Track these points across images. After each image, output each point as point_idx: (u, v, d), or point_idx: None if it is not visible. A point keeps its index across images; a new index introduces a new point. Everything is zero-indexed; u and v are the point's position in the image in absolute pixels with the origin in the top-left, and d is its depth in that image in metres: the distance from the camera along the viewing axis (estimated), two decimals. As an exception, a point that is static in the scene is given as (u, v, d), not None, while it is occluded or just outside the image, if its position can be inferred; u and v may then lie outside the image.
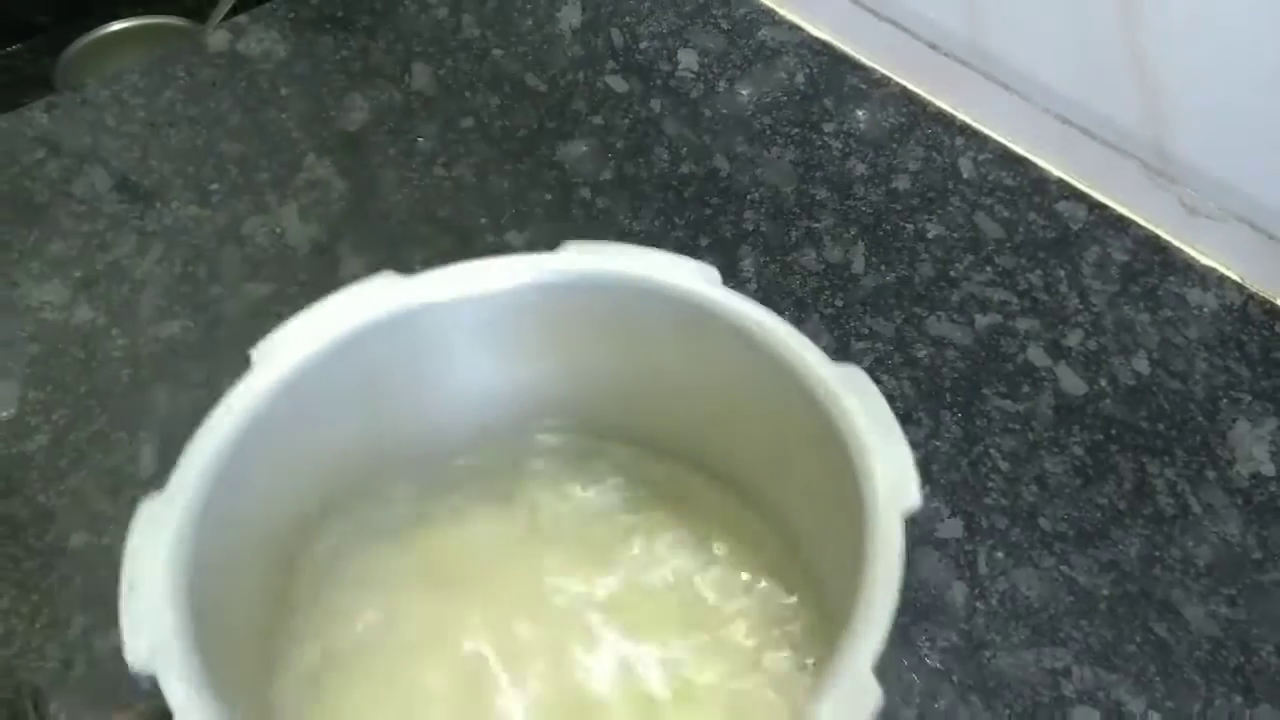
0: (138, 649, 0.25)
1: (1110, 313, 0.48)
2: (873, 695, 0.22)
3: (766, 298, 0.38)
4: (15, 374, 0.44)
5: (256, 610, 0.31)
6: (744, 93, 0.57)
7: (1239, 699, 0.38)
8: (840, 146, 0.55)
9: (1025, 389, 0.46)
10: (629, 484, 0.35)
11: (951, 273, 0.50)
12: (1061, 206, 0.53)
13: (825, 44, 0.60)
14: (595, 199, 0.52)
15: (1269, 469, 0.43)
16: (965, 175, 0.54)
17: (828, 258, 0.50)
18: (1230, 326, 0.48)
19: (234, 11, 0.63)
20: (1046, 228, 0.52)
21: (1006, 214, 0.52)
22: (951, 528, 0.41)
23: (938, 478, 0.43)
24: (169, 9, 0.79)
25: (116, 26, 0.78)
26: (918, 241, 0.51)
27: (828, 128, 0.56)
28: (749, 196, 0.52)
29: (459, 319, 0.32)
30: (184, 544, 0.26)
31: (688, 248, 0.50)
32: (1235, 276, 0.50)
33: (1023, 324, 0.48)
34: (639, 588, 0.33)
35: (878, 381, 0.34)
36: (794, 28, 0.61)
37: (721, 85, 0.58)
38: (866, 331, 0.47)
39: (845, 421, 0.27)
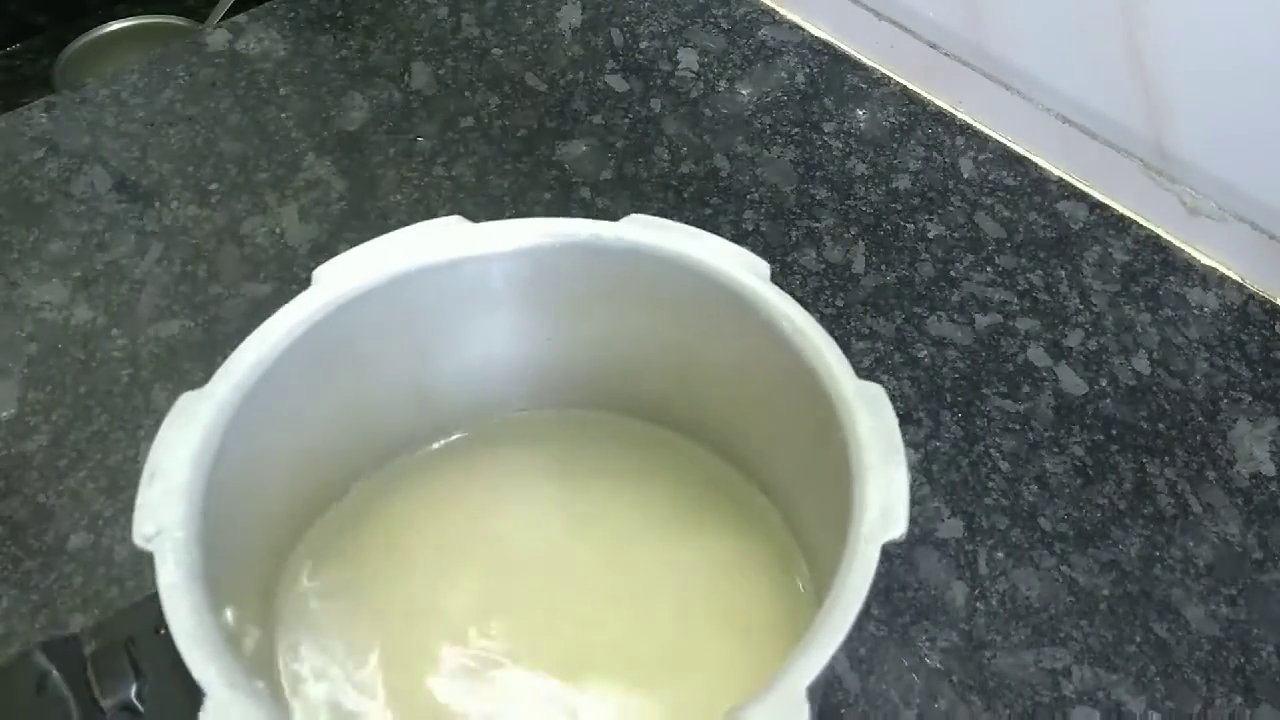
0: (144, 532, 0.25)
1: (1111, 313, 0.48)
2: (802, 714, 0.22)
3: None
4: (14, 374, 0.44)
5: (272, 527, 0.32)
6: (744, 92, 0.57)
7: (1239, 699, 0.38)
8: (840, 146, 0.55)
9: (1025, 389, 0.46)
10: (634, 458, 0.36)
11: (952, 273, 0.50)
12: (1062, 206, 0.53)
13: (825, 43, 0.60)
14: (595, 198, 0.52)
15: (1269, 469, 0.43)
16: (966, 175, 0.54)
17: (828, 257, 0.50)
18: (1231, 326, 0.48)
19: (233, 11, 0.63)
20: (1047, 227, 0.52)
21: (1007, 214, 0.52)
22: (951, 528, 0.41)
23: (938, 477, 0.43)
24: (168, 8, 0.79)
25: (115, 26, 0.78)
26: (918, 241, 0.51)
27: (828, 127, 0.56)
28: (749, 196, 0.52)
29: (513, 270, 0.32)
30: (212, 441, 0.27)
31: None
32: (1236, 276, 0.50)
33: (1023, 324, 0.48)
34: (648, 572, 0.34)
35: (878, 381, 0.34)
36: (794, 27, 0.61)
37: (722, 85, 0.58)
38: (867, 331, 0.47)
39: (853, 437, 0.27)
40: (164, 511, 0.25)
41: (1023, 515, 0.42)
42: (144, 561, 0.25)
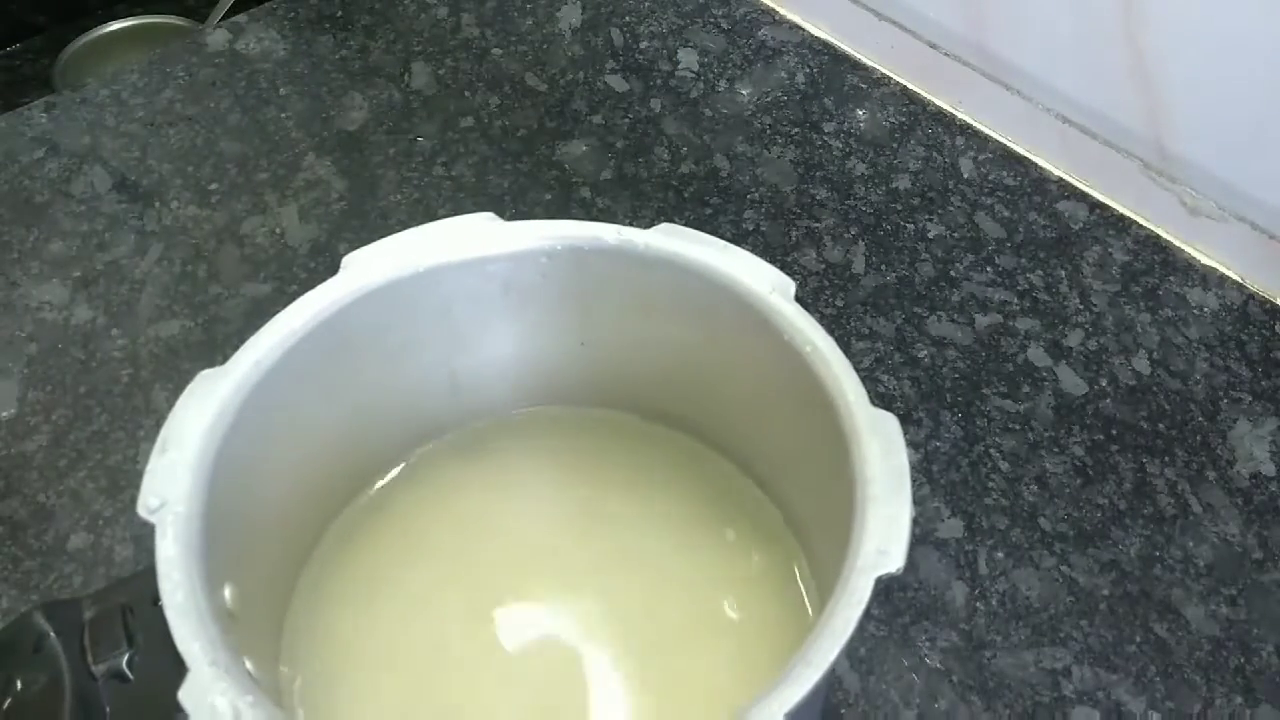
0: (148, 503, 0.25)
1: (1111, 313, 0.48)
2: None
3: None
4: (14, 374, 0.44)
5: (288, 509, 0.32)
6: (744, 92, 0.57)
7: (1239, 699, 0.38)
8: (840, 146, 0.55)
9: (1025, 389, 0.46)
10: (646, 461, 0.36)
11: (952, 273, 0.50)
12: (1062, 206, 0.53)
13: (825, 43, 0.60)
14: (595, 198, 0.52)
15: (1269, 469, 0.43)
16: (966, 175, 0.54)
17: (828, 258, 0.50)
18: (1231, 326, 0.48)
19: (233, 11, 0.63)
20: (1047, 227, 0.52)
21: (1007, 214, 0.52)
22: (952, 527, 0.41)
23: (938, 478, 0.43)
24: (168, 8, 0.79)
25: (115, 26, 0.78)
26: (918, 241, 0.51)
27: (828, 127, 0.56)
28: (749, 196, 0.52)
29: (545, 270, 0.32)
30: (225, 418, 0.27)
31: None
32: (1236, 276, 0.50)
33: (1023, 324, 0.48)
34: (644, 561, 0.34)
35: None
36: (794, 27, 0.61)
37: (722, 85, 0.58)
38: (867, 331, 0.47)
39: (861, 469, 0.27)
40: (170, 484, 0.26)
41: (1023, 515, 0.42)
42: (144, 557, 0.25)
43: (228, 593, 0.27)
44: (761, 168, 0.54)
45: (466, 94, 0.56)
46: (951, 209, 0.52)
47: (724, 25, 0.61)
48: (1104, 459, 0.43)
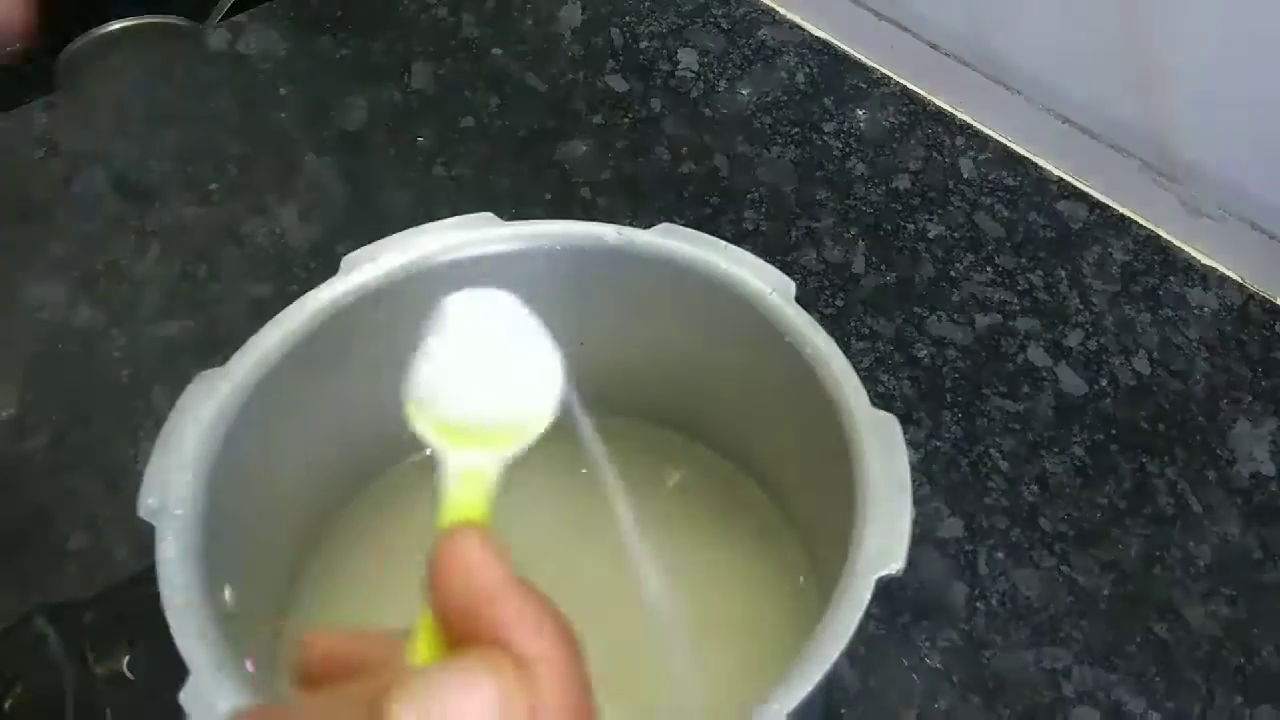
0: (147, 503, 0.25)
1: (1111, 312, 0.48)
2: None
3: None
4: (15, 374, 0.44)
5: (291, 510, 0.32)
6: (744, 92, 0.57)
7: (1239, 699, 0.38)
8: (840, 146, 0.55)
9: (1025, 389, 0.46)
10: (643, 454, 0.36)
11: (952, 273, 0.50)
12: (1062, 206, 0.53)
13: (825, 43, 0.60)
14: (595, 198, 0.52)
15: (1269, 469, 0.43)
16: (966, 175, 0.54)
17: (828, 258, 0.50)
18: (1231, 326, 0.48)
19: (233, 11, 0.63)
20: (1047, 227, 0.52)
21: (1007, 214, 0.52)
22: (952, 527, 0.41)
23: (938, 478, 0.43)
24: (168, 8, 0.79)
25: (116, 26, 0.78)
26: (918, 241, 0.51)
27: (828, 127, 0.56)
28: (749, 196, 0.52)
29: (546, 269, 0.33)
30: (225, 419, 0.27)
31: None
32: (1236, 276, 0.50)
33: (1023, 324, 0.48)
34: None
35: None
36: (794, 27, 0.61)
37: (721, 85, 0.58)
38: (867, 331, 0.47)
39: (861, 471, 0.27)
40: (169, 485, 0.26)
41: (1023, 515, 0.42)
42: (144, 556, 0.25)
43: (228, 594, 0.27)
44: (761, 168, 0.54)
45: (467, 94, 0.56)
46: (951, 209, 0.52)
47: (724, 25, 0.61)
48: (1104, 459, 0.43)
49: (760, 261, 0.31)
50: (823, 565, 0.32)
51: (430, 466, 0.36)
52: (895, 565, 0.25)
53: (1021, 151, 0.55)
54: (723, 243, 0.31)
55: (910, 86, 0.58)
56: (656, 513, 0.35)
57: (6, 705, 0.26)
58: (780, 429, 0.33)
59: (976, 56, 0.55)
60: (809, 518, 0.34)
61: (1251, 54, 0.45)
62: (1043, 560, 0.41)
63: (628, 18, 0.61)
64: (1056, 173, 0.54)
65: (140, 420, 0.43)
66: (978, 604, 0.39)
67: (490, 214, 0.32)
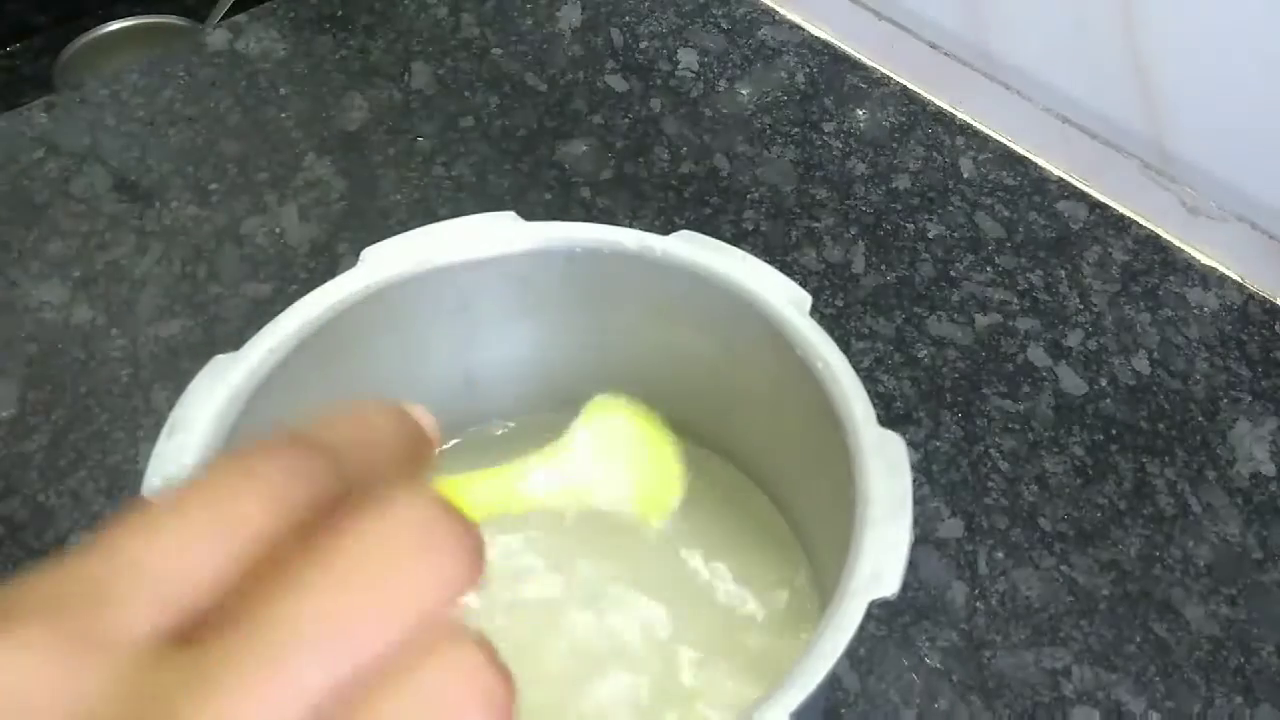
0: (152, 484, 0.25)
1: (1110, 312, 0.48)
2: None
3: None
4: (14, 374, 0.44)
5: None
6: (744, 92, 0.57)
7: (1239, 699, 0.38)
8: (840, 146, 0.55)
9: (1025, 389, 0.46)
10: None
11: (952, 272, 0.50)
12: (1062, 206, 0.53)
13: (825, 43, 0.60)
14: (595, 198, 0.52)
15: (1269, 469, 0.43)
16: (965, 175, 0.54)
17: (828, 257, 0.50)
18: (1230, 326, 0.48)
19: (233, 10, 0.63)
20: (1047, 227, 0.52)
21: (1007, 213, 0.52)
22: (952, 527, 0.41)
23: (938, 478, 0.43)
24: (168, 8, 0.79)
25: (115, 26, 0.78)
26: (918, 241, 0.51)
27: (828, 127, 0.56)
28: (749, 196, 0.52)
29: (564, 271, 0.32)
30: (236, 403, 0.27)
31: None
32: (1235, 276, 0.50)
33: (1023, 324, 0.48)
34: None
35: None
36: (794, 27, 0.61)
37: (721, 85, 0.58)
38: (867, 331, 0.47)
39: (863, 490, 0.27)
40: (175, 466, 0.26)
41: (1023, 515, 0.42)
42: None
43: None
44: (761, 167, 0.54)
45: (466, 94, 0.56)
46: (951, 209, 0.52)
47: (724, 25, 0.61)
48: (1104, 459, 0.43)
49: (777, 273, 0.31)
50: (823, 577, 0.32)
51: (439, 465, 0.36)
52: (889, 589, 0.25)
53: (1021, 151, 0.55)
54: (740, 252, 0.31)
55: (910, 86, 0.58)
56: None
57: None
58: (788, 441, 0.33)
59: (976, 56, 0.55)
60: (813, 530, 0.34)
61: (1251, 54, 0.45)
62: (1042, 560, 0.41)
63: (627, 17, 0.61)
64: (1056, 173, 0.54)
65: (140, 420, 0.43)
66: (977, 604, 0.39)
67: (513, 213, 0.32)
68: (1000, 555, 0.41)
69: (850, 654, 0.38)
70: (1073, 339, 0.47)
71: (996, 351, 0.47)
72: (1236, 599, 0.40)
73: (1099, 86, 0.51)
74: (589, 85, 0.57)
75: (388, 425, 0.17)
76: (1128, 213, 0.52)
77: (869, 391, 0.29)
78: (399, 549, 0.14)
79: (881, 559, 0.25)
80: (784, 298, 0.30)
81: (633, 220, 0.51)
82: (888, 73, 0.58)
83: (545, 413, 0.37)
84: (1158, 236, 0.52)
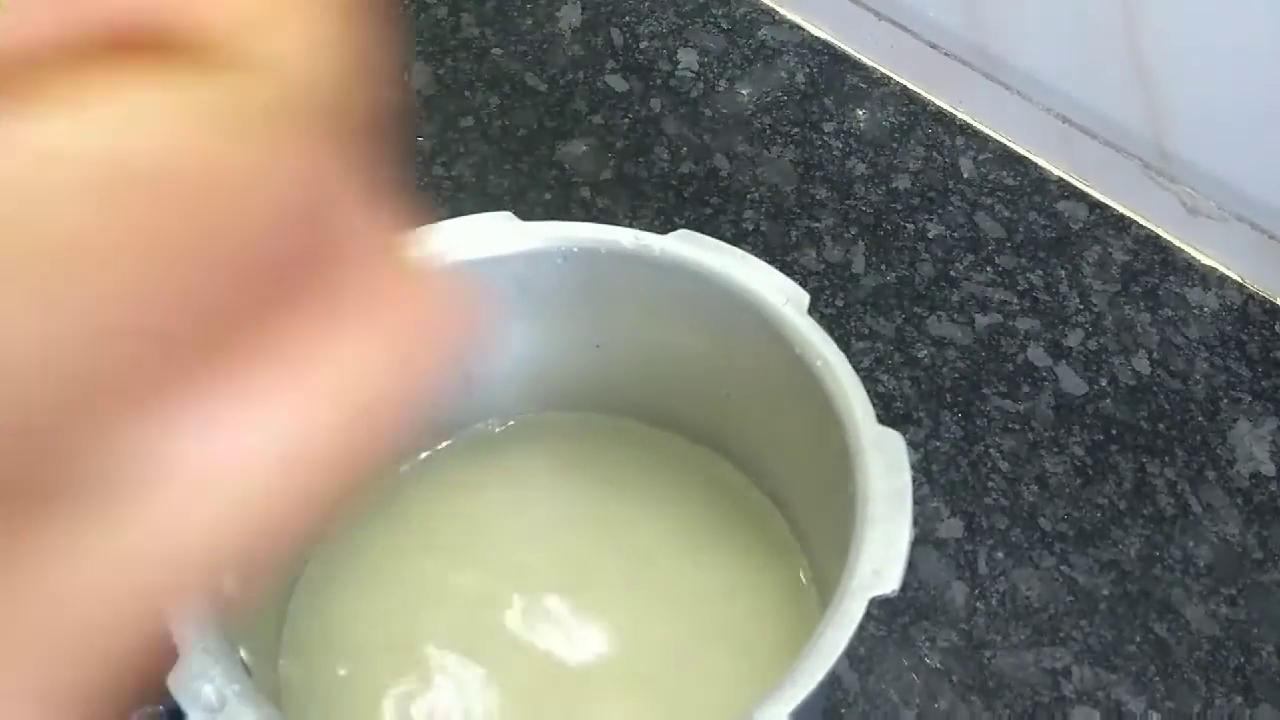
0: None
1: (1111, 312, 0.48)
2: None
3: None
4: (14, 374, 0.44)
5: None
6: (744, 92, 0.57)
7: (1239, 699, 0.38)
8: (840, 146, 0.55)
9: (1025, 389, 0.46)
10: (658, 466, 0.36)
11: (952, 272, 0.50)
12: (1062, 206, 0.53)
13: (825, 43, 0.60)
14: (595, 198, 0.52)
15: (1269, 469, 0.43)
16: (966, 175, 0.54)
17: (828, 257, 0.50)
18: (1231, 326, 0.48)
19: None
20: (1047, 227, 0.52)
21: (1007, 213, 0.52)
22: (951, 527, 0.41)
23: (938, 478, 0.43)
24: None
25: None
26: (918, 241, 0.51)
27: (828, 127, 0.56)
28: (749, 196, 0.52)
29: (561, 271, 0.32)
30: None
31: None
32: (1236, 276, 0.50)
33: (1023, 324, 0.48)
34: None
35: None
36: (794, 27, 0.61)
37: (721, 84, 0.58)
38: (867, 331, 0.47)
39: (863, 488, 0.27)
40: None
41: (1022, 515, 0.42)
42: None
43: (226, 579, 0.26)
44: (761, 167, 0.54)
45: (466, 94, 0.56)
46: (951, 209, 0.52)
47: (724, 25, 0.61)
48: (1104, 459, 0.43)
49: (775, 271, 0.31)
50: (823, 577, 0.32)
51: (434, 465, 0.36)
52: (890, 587, 0.25)
53: (1021, 151, 0.55)
54: (739, 251, 0.31)
55: (910, 86, 0.58)
56: (664, 519, 0.35)
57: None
58: (788, 439, 0.33)
59: (977, 56, 0.55)
60: (812, 527, 0.34)
61: (1252, 53, 0.45)
62: (1042, 560, 0.41)
63: (627, 17, 0.61)
64: (1056, 173, 0.54)
65: (140, 420, 0.43)
66: (977, 604, 0.39)
67: (509, 213, 0.32)
68: (1000, 555, 0.41)
69: (850, 654, 0.38)
70: (1073, 339, 0.47)
71: (996, 351, 0.47)
72: (1237, 599, 0.40)
73: (1100, 87, 0.51)
74: (589, 85, 0.57)
75: None
76: (1128, 213, 0.52)
77: (869, 392, 0.29)
78: None
79: (882, 556, 0.25)
80: (782, 296, 0.30)
81: (633, 220, 0.51)
82: (888, 73, 0.58)
83: (543, 412, 0.37)
84: (1158, 236, 0.51)
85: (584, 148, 0.54)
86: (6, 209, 0.09)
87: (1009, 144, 0.55)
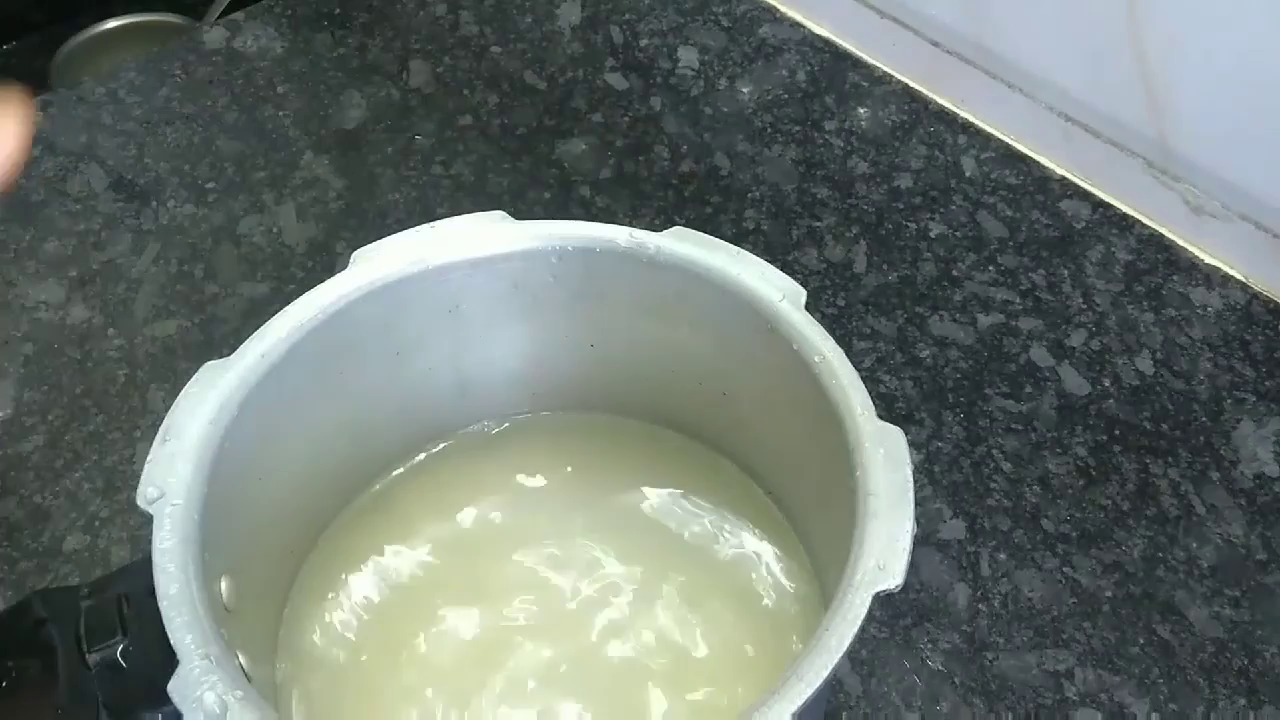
0: (147, 494, 0.25)
1: (1114, 312, 0.48)
2: None
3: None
4: (10, 374, 0.44)
5: (293, 503, 0.32)
6: (745, 90, 0.57)
7: (1243, 701, 0.37)
8: (842, 145, 0.55)
9: (1028, 389, 0.45)
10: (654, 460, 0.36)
11: (954, 272, 0.49)
12: (1065, 205, 0.52)
13: (826, 41, 0.60)
14: (595, 197, 0.52)
15: (1273, 469, 0.43)
16: (968, 174, 0.53)
17: (829, 257, 0.50)
18: (1234, 326, 0.48)
19: (230, 8, 0.62)
20: (1050, 227, 0.51)
21: (1009, 213, 0.52)
22: (954, 529, 0.41)
23: (940, 478, 0.42)
24: (165, 6, 0.79)
25: (112, 24, 0.78)
26: (920, 240, 0.50)
27: (829, 126, 0.55)
28: (750, 195, 0.52)
29: (557, 270, 0.32)
30: (228, 410, 0.27)
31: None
32: (1239, 276, 0.50)
33: (1026, 323, 0.48)
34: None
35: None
36: (795, 25, 0.60)
37: (722, 83, 0.57)
38: (869, 331, 0.47)
39: (864, 483, 0.27)
40: (169, 474, 0.26)
41: (1025, 516, 0.42)
42: (143, 552, 0.25)
43: (224, 586, 0.26)
44: (762, 166, 0.53)
45: (465, 92, 0.56)
46: (954, 208, 0.52)
47: (724, 23, 0.60)
48: (1107, 459, 0.43)
49: (772, 267, 0.31)
50: (825, 574, 0.32)
51: (430, 467, 0.36)
52: (893, 581, 0.25)
53: (1024, 150, 0.55)
54: (734, 248, 0.31)
55: (912, 85, 0.57)
56: (663, 517, 0.35)
57: (-1, 688, 0.26)
58: (786, 436, 0.32)
59: (979, 54, 0.55)
60: (812, 525, 0.34)
61: (1255, 52, 0.45)
62: (1045, 561, 0.40)
63: (627, 15, 0.60)
64: (1059, 171, 0.54)
65: (137, 420, 0.43)
66: (980, 606, 0.39)
67: (503, 212, 0.32)
68: (1003, 556, 0.40)
69: (852, 656, 0.38)
70: (1076, 339, 0.47)
71: (999, 351, 0.47)
72: (1240, 601, 0.40)
73: (1103, 85, 0.51)
74: (589, 83, 0.57)
75: None
76: (1131, 212, 0.52)
77: (870, 392, 0.29)
78: None
79: (885, 551, 0.25)
80: (778, 292, 0.30)
81: (633, 219, 0.50)
82: (889, 71, 0.58)
83: (540, 412, 0.37)
84: (1161, 236, 0.51)
85: (584, 146, 0.54)
86: None
87: (1011, 143, 0.55)
